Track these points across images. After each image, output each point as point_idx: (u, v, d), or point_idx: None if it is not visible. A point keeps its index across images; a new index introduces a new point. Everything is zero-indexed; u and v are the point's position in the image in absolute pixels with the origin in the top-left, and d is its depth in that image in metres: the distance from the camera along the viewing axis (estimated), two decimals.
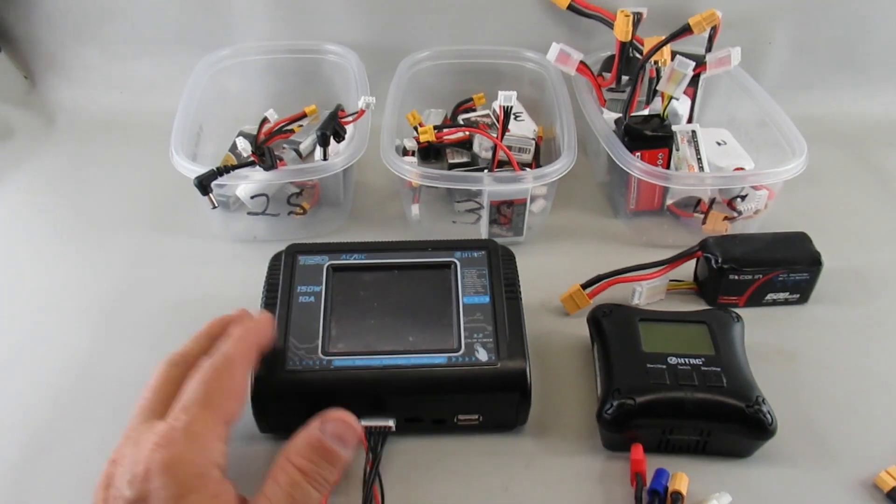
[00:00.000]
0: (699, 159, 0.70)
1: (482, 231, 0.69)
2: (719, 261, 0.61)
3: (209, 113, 0.77)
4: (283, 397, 0.50)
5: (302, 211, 0.70)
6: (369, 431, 0.50)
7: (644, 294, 0.62)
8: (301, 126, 0.78)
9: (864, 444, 0.52)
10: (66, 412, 0.55)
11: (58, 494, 0.50)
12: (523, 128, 0.76)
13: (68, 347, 0.60)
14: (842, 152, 0.83)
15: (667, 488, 0.48)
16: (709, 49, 0.76)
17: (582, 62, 0.72)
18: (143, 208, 0.75)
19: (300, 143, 0.77)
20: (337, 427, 0.43)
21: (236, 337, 0.44)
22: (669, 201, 0.71)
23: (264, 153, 0.62)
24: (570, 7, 0.81)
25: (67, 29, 0.87)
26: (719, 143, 0.74)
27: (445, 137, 0.72)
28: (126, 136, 0.86)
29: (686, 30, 0.66)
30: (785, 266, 0.61)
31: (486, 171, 0.69)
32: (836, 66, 0.88)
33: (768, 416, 0.49)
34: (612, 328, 0.55)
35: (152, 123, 0.79)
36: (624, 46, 0.71)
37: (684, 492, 0.47)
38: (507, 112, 0.65)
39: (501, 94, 0.64)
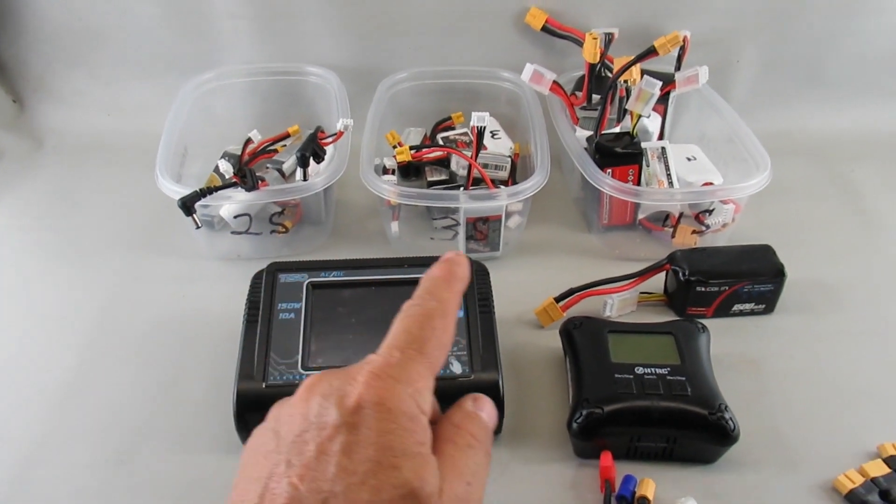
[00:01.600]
0: (668, 175, 0.72)
1: (459, 247, 0.71)
2: (686, 273, 0.63)
3: (194, 134, 0.79)
4: (264, 411, 0.51)
5: (284, 230, 0.72)
6: None
7: (615, 306, 0.64)
8: (284, 146, 0.81)
9: (824, 449, 0.54)
10: (54, 429, 0.56)
11: None
12: (500, 145, 0.78)
13: (55, 366, 0.61)
14: (808, 166, 0.85)
15: (634, 494, 0.50)
16: (678, 68, 0.78)
17: (555, 82, 0.75)
18: (130, 228, 0.77)
19: (283, 162, 0.79)
20: (489, 406, 0.41)
21: (451, 286, 0.40)
22: (641, 216, 0.73)
23: (246, 174, 0.64)
24: (544, 28, 0.83)
25: (56, 52, 0.89)
26: (689, 159, 0.76)
27: (424, 157, 0.75)
28: (113, 157, 0.87)
29: (652, 51, 0.69)
30: (750, 278, 0.63)
31: (461, 189, 0.71)
32: (802, 84, 0.90)
33: (731, 422, 0.51)
34: (583, 340, 0.57)
35: (139, 145, 0.81)
36: (593, 67, 0.74)
37: (651, 497, 0.49)
38: (480, 132, 0.67)
39: (475, 114, 0.67)
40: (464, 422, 0.38)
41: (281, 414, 0.36)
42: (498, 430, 0.54)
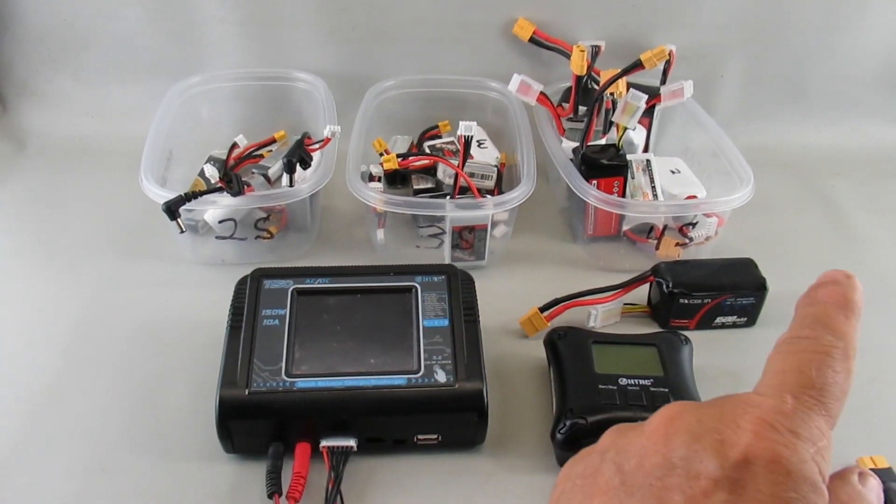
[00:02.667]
0: (653, 187, 0.73)
1: (445, 255, 0.71)
2: (670, 286, 0.63)
3: (179, 138, 0.79)
4: (247, 418, 0.51)
5: (269, 235, 0.72)
6: (331, 451, 0.52)
7: (599, 317, 0.65)
8: (270, 151, 0.80)
9: None
10: (33, 436, 0.56)
11: None
12: (486, 155, 0.78)
13: (37, 371, 0.61)
14: (789, 181, 0.87)
15: None
16: (663, 82, 0.79)
17: (542, 93, 0.75)
18: (112, 232, 0.76)
19: (269, 167, 0.79)
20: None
21: (849, 318, 0.31)
22: (625, 227, 0.74)
23: (231, 179, 0.64)
24: (531, 40, 0.84)
25: (40, 55, 0.88)
26: (673, 172, 0.77)
27: (410, 164, 0.75)
28: (97, 161, 0.86)
29: (638, 65, 0.70)
30: (732, 291, 0.64)
31: (448, 197, 0.71)
32: (785, 99, 0.92)
33: None
34: (567, 350, 0.57)
35: (123, 149, 0.81)
36: (580, 80, 0.75)
37: None
38: (467, 141, 0.68)
39: (462, 124, 0.67)
40: (853, 501, 0.30)
41: (624, 444, 0.29)
42: (482, 440, 0.54)
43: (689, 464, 0.26)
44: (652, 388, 0.53)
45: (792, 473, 0.26)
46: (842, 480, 0.30)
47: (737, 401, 0.28)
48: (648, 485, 0.27)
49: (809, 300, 0.32)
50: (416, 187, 0.77)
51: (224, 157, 0.78)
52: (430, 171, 0.77)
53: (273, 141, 0.80)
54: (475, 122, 0.67)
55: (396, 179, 0.78)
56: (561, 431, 0.52)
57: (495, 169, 0.75)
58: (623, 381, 0.54)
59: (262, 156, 0.80)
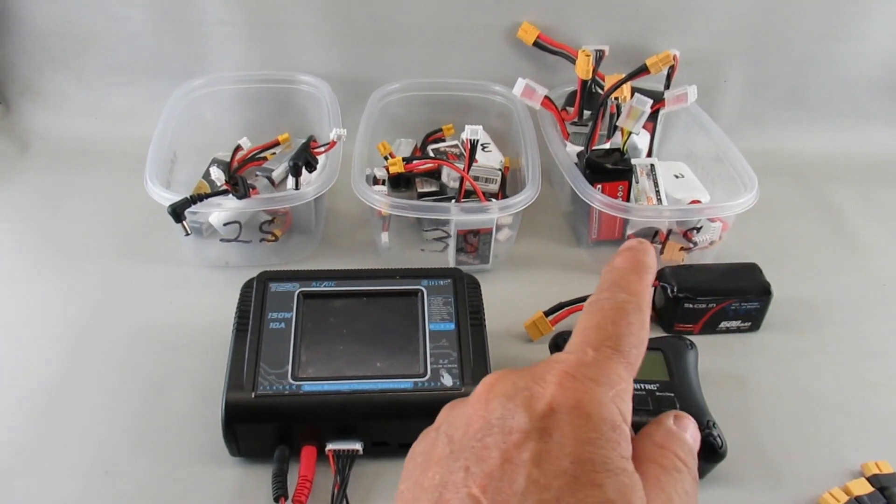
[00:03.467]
0: (657, 192, 0.73)
1: (449, 259, 0.71)
2: (675, 290, 0.63)
3: (183, 140, 0.79)
4: (253, 421, 0.51)
5: (274, 238, 0.72)
6: (337, 455, 0.51)
7: None
8: (274, 154, 0.80)
9: (809, 467, 0.55)
10: (35, 439, 0.55)
11: None
12: (490, 158, 0.78)
13: (39, 373, 0.60)
14: (792, 186, 0.87)
15: None
16: (667, 86, 0.79)
17: (546, 97, 0.75)
18: (117, 234, 0.76)
19: (273, 170, 0.79)
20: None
21: (641, 277, 0.34)
22: (629, 231, 0.74)
23: (237, 182, 0.64)
24: (535, 44, 0.84)
25: (43, 55, 0.88)
26: (677, 176, 0.77)
27: (415, 168, 0.75)
28: (100, 162, 0.86)
29: (643, 70, 0.70)
30: (737, 296, 0.64)
31: (453, 201, 0.71)
32: (787, 104, 0.92)
33: (718, 439, 0.51)
34: None
35: (126, 150, 0.81)
36: (585, 84, 0.75)
37: None
38: (473, 145, 0.68)
39: (468, 127, 0.67)
40: (667, 441, 0.32)
41: (454, 416, 0.31)
42: None
43: (503, 422, 0.28)
44: (658, 393, 0.53)
45: (592, 416, 0.28)
46: (657, 424, 0.33)
47: (547, 361, 0.30)
48: (471, 447, 0.28)
49: (609, 267, 0.35)
50: (420, 190, 0.77)
51: (228, 160, 0.78)
52: (435, 174, 0.77)
53: (277, 143, 0.80)
54: (481, 126, 0.67)
55: (400, 182, 0.78)
56: None
57: (499, 173, 0.75)
58: None
59: (265, 158, 0.80)
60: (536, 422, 0.28)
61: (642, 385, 0.54)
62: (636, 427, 0.49)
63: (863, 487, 0.52)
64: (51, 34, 0.86)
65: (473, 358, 0.54)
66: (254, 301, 0.57)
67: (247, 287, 0.58)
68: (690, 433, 0.33)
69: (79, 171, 0.86)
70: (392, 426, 0.53)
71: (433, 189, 0.77)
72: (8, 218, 0.79)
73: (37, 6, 0.84)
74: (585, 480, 0.26)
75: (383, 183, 0.76)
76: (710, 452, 0.51)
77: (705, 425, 0.51)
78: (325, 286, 0.58)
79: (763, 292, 0.64)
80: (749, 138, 0.86)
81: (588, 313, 0.32)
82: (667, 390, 0.53)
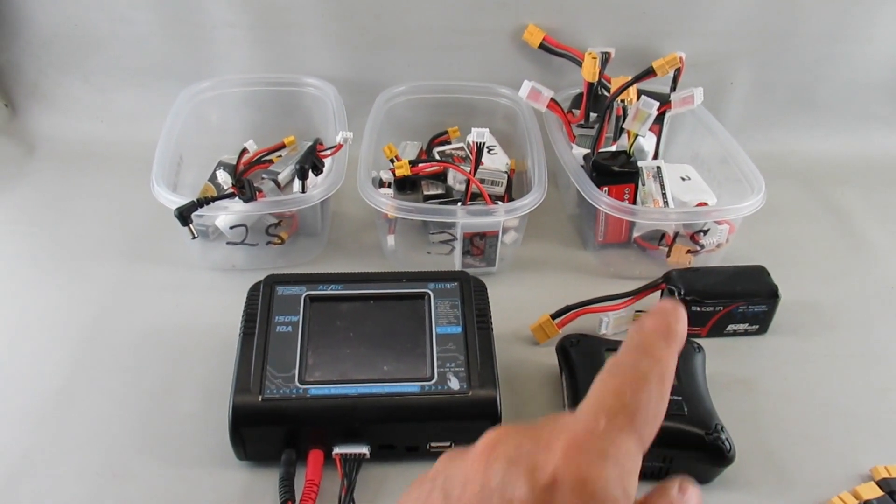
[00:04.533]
0: (664, 194, 0.73)
1: (456, 262, 0.71)
2: (682, 293, 0.63)
3: (189, 143, 0.79)
4: (260, 425, 0.51)
5: (280, 241, 0.72)
6: (344, 458, 0.51)
7: (611, 324, 0.65)
8: (280, 156, 0.80)
9: (817, 470, 0.54)
10: (43, 441, 0.55)
11: None
12: (496, 161, 0.78)
13: (46, 375, 0.60)
14: (799, 189, 0.87)
15: None
16: (673, 89, 0.79)
17: (552, 99, 0.75)
18: (123, 237, 0.76)
19: (279, 173, 0.78)
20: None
21: (669, 343, 0.33)
22: (636, 234, 0.74)
23: (244, 185, 0.64)
24: (541, 46, 0.84)
25: (50, 58, 0.88)
26: (684, 179, 0.77)
27: (421, 171, 0.75)
28: (106, 165, 0.86)
29: (650, 72, 0.70)
30: (744, 298, 0.63)
31: (459, 203, 0.71)
32: (794, 107, 0.92)
33: (727, 443, 0.51)
34: (580, 357, 0.57)
35: (133, 153, 0.81)
36: (591, 86, 0.75)
37: None
38: (479, 147, 0.68)
39: (474, 130, 0.67)
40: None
41: (452, 470, 0.30)
42: None
43: (504, 488, 0.27)
44: None
45: (596, 494, 0.26)
46: (661, 493, 0.31)
47: (554, 423, 0.29)
48: None
49: (638, 327, 0.33)
50: (426, 193, 0.77)
51: (234, 163, 0.78)
52: (441, 177, 0.77)
53: (283, 146, 0.80)
54: (487, 129, 0.67)
55: (406, 185, 0.78)
56: None
57: (505, 175, 0.75)
58: None
59: (271, 161, 0.80)
60: (539, 494, 0.27)
61: None
62: None
63: (872, 491, 0.51)
64: (57, 37, 0.87)
65: (480, 361, 0.53)
66: (260, 304, 0.57)
67: (253, 290, 0.58)
68: (695, 501, 0.31)
69: (85, 173, 0.86)
70: (399, 430, 0.52)
71: (439, 192, 0.77)
72: (15, 220, 0.79)
73: (43, 9, 0.85)
74: None
75: (389, 186, 0.76)
76: (719, 456, 0.51)
77: (713, 429, 0.51)
78: (331, 289, 0.58)
79: (771, 295, 0.64)
80: (756, 141, 0.86)
81: (608, 375, 0.31)
82: (674, 394, 0.53)
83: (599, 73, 0.76)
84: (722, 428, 0.51)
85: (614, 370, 0.31)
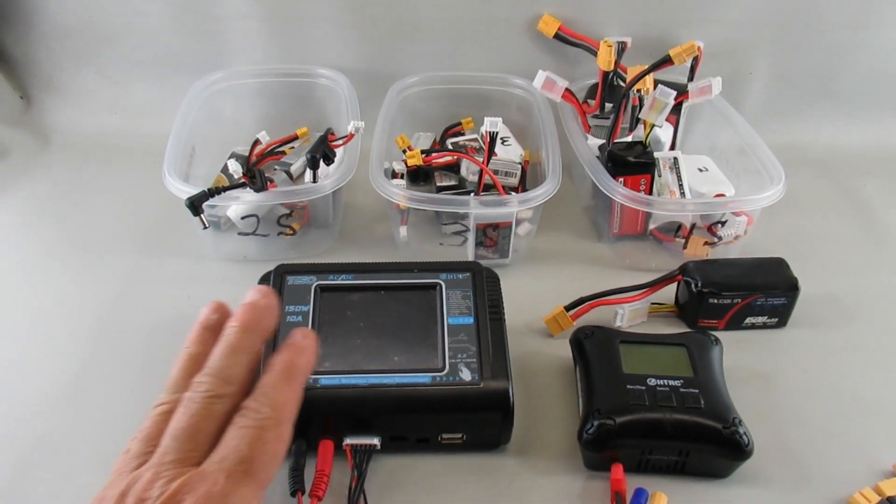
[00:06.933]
0: (681, 185, 0.72)
1: (468, 253, 0.70)
2: (699, 285, 0.62)
3: (202, 135, 0.79)
4: None
5: (292, 232, 0.71)
6: (354, 449, 0.51)
7: (626, 316, 0.64)
8: (292, 148, 0.80)
9: (838, 466, 0.53)
10: (55, 431, 0.55)
11: None
12: (510, 152, 0.77)
13: (58, 367, 0.60)
14: (819, 180, 0.85)
15: None
16: (691, 78, 0.78)
17: (567, 89, 0.74)
18: (136, 228, 0.76)
19: (291, 164, 0.78)
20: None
21: (290, 383, 0.41)
22: (652, 226, 0.73)
23: (255, 175, 0.64)
24: (556, 36, 0.83)
25: (65, 51, 0.88)
26: (701, 170, 0.76)
27: (433, 161, 0.74)
28: (120, 157, 0.87)
29: (667, 60, 0.68)
30: (763, 291, 0.62)
31: (472, 194, 0.71)
32: (814, 97, 0.90)
33: (745, 437, 0.50)
34: (594, 350, 0.56)
35: (146, 145, 0.81)
36: (607, 75, 0.73)
37: None
38: (492, 137, 0.67)
39: (487, 119, 0.66)
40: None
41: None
42: (507, 440, 0.53)
43: None
44: (682, 389, 0.52)
45: None
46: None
47: (182, 484, 0.35)
48: None
49: (267, 366, 0.41)
50: (438, 184, 0.76)
51: (246, 154, 0.78)
52: (454, 168, 0.76)
53: (295, 137, 0.80)
54: (501, 118, 0.66)
55: (419, 177, 0.77)
56: (588, 432, 0.50)
57: (519, 166, 0.74)
58: (652, 382, 0.52)
59: (284, 152, 0.79)
60: None
61: (665, 381, 0.52)
62: (669, 424, 0.48)
63: (895, 487, 0.50)
64: (72, 30, 0.87)
65: (493, 352, 0.53)
66: None
67: (264, 280, 0.58)
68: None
69: (99, 165, 0.86)
70: (410, 421, 0.52)
71: (452, 183, 0.76)
72: (29, 212, 0.79)
73: (58, 2, 0.85)
74: None
75: (401, 177, 0.75)
76: (736, 450, 0.50)
77: (731, 422, 0.50)
78: (342, 279, 0.57)
79: (790, 287, 0.62)
80: (775, 132, 0.84)
81: (234, 427, 0.38)
82: (691, 386, 0.52)
83: (615, 62, 0.74)
84: (740, 421, 0.50)
85: (240, 420, 0.38)
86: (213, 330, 0.45)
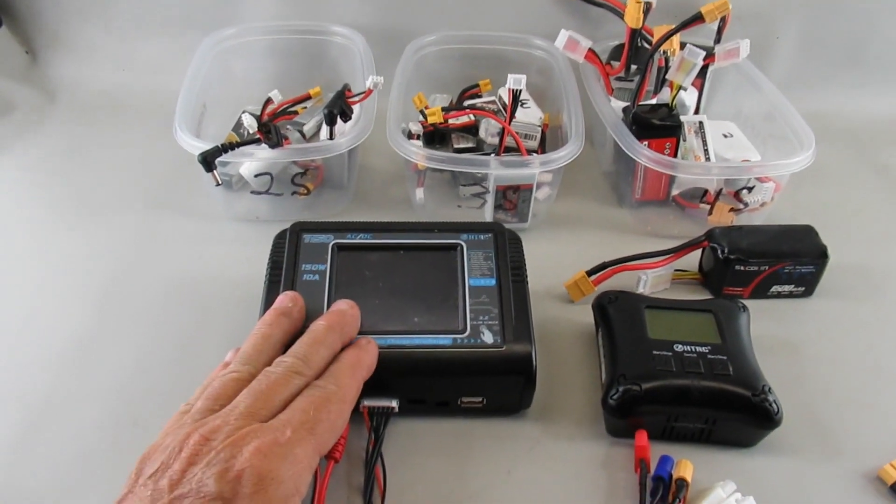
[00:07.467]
0: (706, 150, 0.70)
1: (487, 216, 0.68)
2: (725, 251, 0.60)
3: (212, 93, 0.76)
4: None
5: (306, 192, 0.69)
6: (372, 412, 0.50)
7: (649, 283, 0.62)
8: (305, 108, 0.78)
9: (868, 437, 0.52)
10: (64, 390, 0.54)
11: (54, 472, 0.49)
12: (529, 115, 0.75)
13: (68, 326, 0.59)
14: (847, 150, 0.83)
15: (671, 475, 0.47)
16: (717, 41, 0.75)
17: (591, 50, 0.72)
18: (145, 187, 0.74)
19: (304, 124, 0.76)
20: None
21: (355, 373, 0.45)
22: (675, 192, 0.71)
23: (270, 130, 0.61)
24: None
25: (70, 5, 0.86)
26: (726, 136, 0.74)
27: (451, 122, 0.72)
28: (128, 115, 0.85)
29: (698, 18, 0.66)
30: (791, 258, 0.60)
31: (493, 154, 0.68)
32: (843, 64, 0.88)
33: (774, 405, 0.48)
34: (618, 315, 0.55)
35: (154, 103, 0.79)
36: (634, 34, 0.71)
37: (689, 479, 0.47)
38: (515, 95, 0.65)
39: (511, 76, 0.64)
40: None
41: (154, 458, 0.37)
42: (528, 405, 0.52)
43: (199, 486, 0.35)
44: (710, 356, 0.50)
45: (269, 488, 0.35)
46: None
47: (250, 430, 0.37)
48: (169, 496, 0.35)
49: (337, 358, 0.45)
50: (456, 146, 0.74)
51: (258, 113, 0.75)
52: (472, 130, 0.74)
53: (308, 97, 0.77)
54: (525, 76, 0.64)
55: (435, 139, 0.75)
56: (613, 398, 0.49)
57: (539, 129, 0.72)
58: (679, 348, 0.51)
59: (296, 112, 0.77)
60: (224, 486, 0.35)
61: (693, 347, 0.51)
62: (697, 390, 0.47)
63: None
64: None
65: (515, 315, 0.51)
66: (287, 252, 0.54)
67: (279, 238, 0.56)
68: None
69: (107, 123, 0.84)
70: (430, 384, 0.50)
71: (470, 145, 0.74)
72: (35, 169, 0.78)
73: None
74: None
75: (418, 138, 0.73)
76: (766, 418, 0.48)
77: (760, 390, 0.48)
78: (360, 238, 0.56)
79: (820, 255, 0.61)
80: (801, 99, 0.81)
81: (303, 396, 0.41)
82: (719, 353, 0.50)
83: (642, 20, 0.72)
84: (769, 389, 0.49)
85: (309, 391, 0.41)
86: (287, 316, 0.48)
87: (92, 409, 0.53)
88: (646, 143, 0.66)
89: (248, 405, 0.40)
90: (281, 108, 0.76)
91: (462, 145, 0.74)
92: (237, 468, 0.35)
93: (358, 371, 0.45)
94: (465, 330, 0.50)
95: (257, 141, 0.62)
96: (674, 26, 0.68)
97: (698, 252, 0.64)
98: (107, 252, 0.66)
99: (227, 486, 0.35)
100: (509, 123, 0.66)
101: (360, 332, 0.50)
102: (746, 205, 0.68)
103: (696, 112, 0.77)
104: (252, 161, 0.65)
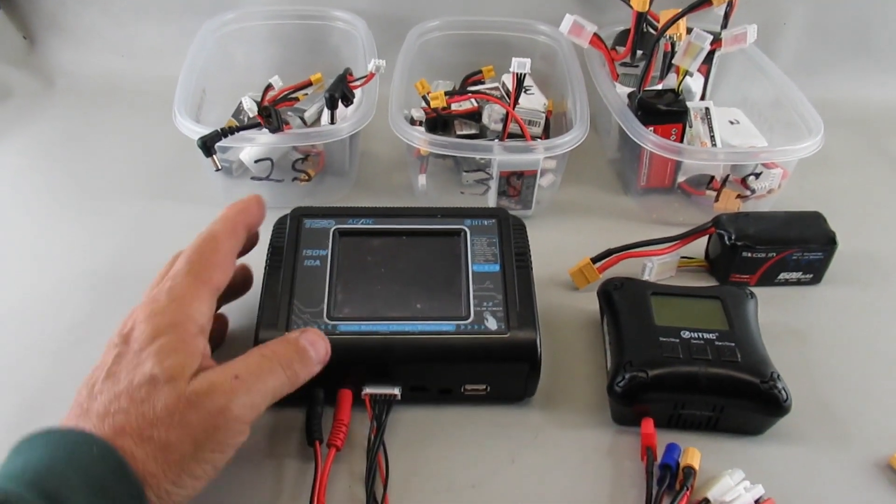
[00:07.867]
0: (712, 136, 0.69)
1: (490, 203, 0.68)
2: (733, 238, 0.59)
3: (212, 78, 0.75)
4: None
5: (307, 178, 0.68)
6: (374, 399, 0.49)
7: (655, 270, 0.61)
8: (306, 94, 0.77)
9: (878, 424, 0.51)
10: (62, 377, 0.53)
11: None
12: (533, 101, 0.74)
13: (66, 312, 0.58)
14: (854, 137, 0.82)
15: (678, 463, 0.46)
16: (724, 26, 0.74)
17: (595, 34, 0.71)
18: (143, 173, 0.74)
19: (305, 110, 0.75)
20: (311, 336, 0.46)
21: (222, 216, 0.50)
22: (681, 179, 0.70)
23: (271, 114, 0.60)
24: None
25: None
26: (732, 123, 0.73)
27: (454, 108, 0.71)
28: (127, 100, 0.84)
29: (705, 2, 0.65)
30: (799, 245, 0.59)
31: (496, 140, 0.68)
32: (851, 51, 0.87)
33: (783, 392, 0.48)
34: (624, 301, 0.54)
35: (154, 88, 0.78)
36: (640, 17, 0.70)
37: (697, 467, 0.46)
38: (520, 79, 0.64)
39: (515, 60, 0.63)
40: (266, 345, 0.44)
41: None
42: (532, 392, 0.51)
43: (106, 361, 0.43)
44: (717, 343, 0.49)
45: (148, 301, 0.44)
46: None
47: (157, 291, 0.45)
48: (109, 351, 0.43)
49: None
50: (458, 133, 0.73)
51: (258, 99, 0.74)
52: (475, 116, 0.73)
53: (309, 84, 0.77)
54: (530, 59, 0.63)
55: (438, 125, 0.74)
56: (619, 385, 0.48)
57: (543, 115, 0.71)
58: (686, 335, 0.50)
59: (297, 99, 0.76)
60: (122, 339, 0.42)
61: (700, 334, 0.50)
62: (705, 377, 0.45)
63: None
64: None
65: (520, 301, 0.50)
66: (287, 237, 0.54)
67: (280, 223, 0.55)
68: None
69: (105, 108, 0.83)
70: (433, 370, 0.50)
71: (472, 132, 0.73)
72: (33, 154, 0.77)
73: None
74: (142, 356, 0.41)
75: (420, 124, 0.72)
76: (774, 406, 0.47)
77: (769, 377, 0.48)
78: (362, 223, 0.55)
79: (828, 241, 0.60)
80: (808, 86, 0.80)
81: (191, 245, 0.48)
82: (727, 340, 0.50)
83: (649, 3, 0.71)
84: (778, 376, 0.48)
85: (198, 239, 0.48)
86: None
87: None
88: (651, 128, 0.65)
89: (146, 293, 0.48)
90: (282, 95, 0.75)
91: (465, 132, 0.73)
92: (130, 323, 0.43)
93: (232, 213, 0.50)
94: (468, 316, 0.49)
95: (257, 125, 0.61)
96: (680, 10, 0.67)
97: (704, 239, 0.63)
98: (106, 238, 0.66)
99: (124, 335, 0.42)
100: (513, 108, 0.65)
101: (362, 319, 0.49)
102: (753, 191, 0.67)
103: (703, 98, 0.76)
104: (252, 146, 0.65)
